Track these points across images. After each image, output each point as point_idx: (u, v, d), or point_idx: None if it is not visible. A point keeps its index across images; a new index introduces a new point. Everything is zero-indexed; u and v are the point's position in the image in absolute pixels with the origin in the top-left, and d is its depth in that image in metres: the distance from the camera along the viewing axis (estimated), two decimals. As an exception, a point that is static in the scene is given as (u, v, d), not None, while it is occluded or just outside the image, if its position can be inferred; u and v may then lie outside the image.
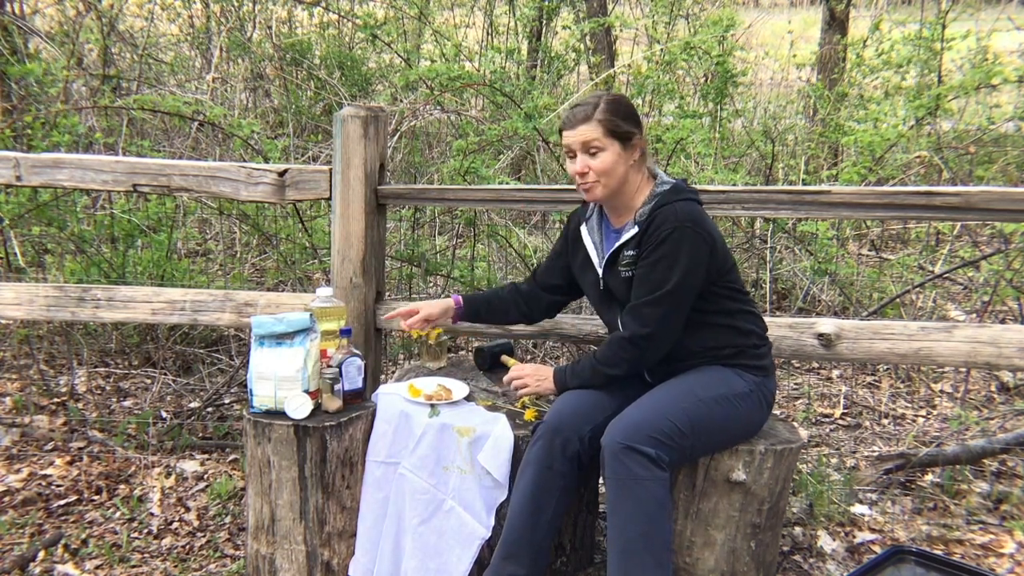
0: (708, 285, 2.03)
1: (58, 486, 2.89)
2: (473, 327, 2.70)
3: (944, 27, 5.20)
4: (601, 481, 2.04)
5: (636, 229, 2.05)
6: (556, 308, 2.47)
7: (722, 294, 2.07)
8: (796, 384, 3.85)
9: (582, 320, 2.67)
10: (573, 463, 2.00)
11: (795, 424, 3.35)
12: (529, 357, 3.84)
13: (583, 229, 2.23)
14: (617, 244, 2.10)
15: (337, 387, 2.22)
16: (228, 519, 2.72)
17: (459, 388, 2.34)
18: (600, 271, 2.17)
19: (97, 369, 3.73)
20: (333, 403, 2.21)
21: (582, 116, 2.04)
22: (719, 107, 4.65)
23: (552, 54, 6.35)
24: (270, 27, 5.73)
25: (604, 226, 2.20)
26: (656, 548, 1.86)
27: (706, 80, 5.43)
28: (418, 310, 2.36)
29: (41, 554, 2.50)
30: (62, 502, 2.80)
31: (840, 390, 3.75)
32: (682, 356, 2.09)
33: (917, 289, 4.16)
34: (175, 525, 2.69)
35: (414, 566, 2.14)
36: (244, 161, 3.45)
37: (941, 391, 3.74)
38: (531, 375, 2.22)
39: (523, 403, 2.27)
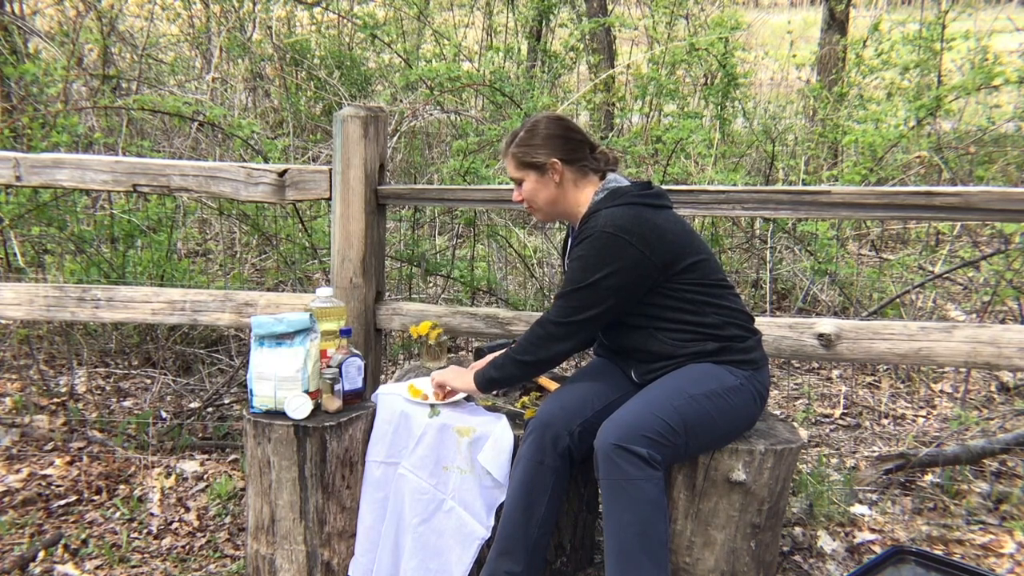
0: (663, 282, 2.02)
1: (58, 486, 2.89)
2: (473, 327, 2.70)
3: (944, 27, 5.21)
4: (601, 481, 2.04)
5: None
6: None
7: (685, 288, 2.04)
8: (796, 384, 3.84)
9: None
10: (564, 458, 2.01)
11: (795, 424, 3.35)
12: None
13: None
14: (568, 248, 2.21)
15: (337, 387, 2.22)
16: (228, 519, 2.72)
17: None
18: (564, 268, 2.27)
19: (97, 369, 3.73)
20: (333, 403, 2.22)
21: (502, 151, 2.20)
22: (721, 108, 4.65)
23: (551, 54, 6.36)
24: (270, 27, 5.73)
25: (572, 229, 2.27)
26: (652, 548, 1.86)
27: (706, 81, 5.44)
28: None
29: (41, 554, 2.50)
30: (62, 502, 2.80)
31: (840, 390, 3.75)
32: (659, 356, 2.07)
33: (917, 289, 4.16)
34: (175, 525, 2.69)
35: (414, 566, 2.15)
36: (244, 161, 3.46)
37: (941, 391, 3.74)
38: (450, 373, 2.25)
39: (523, 403, 2.28)
